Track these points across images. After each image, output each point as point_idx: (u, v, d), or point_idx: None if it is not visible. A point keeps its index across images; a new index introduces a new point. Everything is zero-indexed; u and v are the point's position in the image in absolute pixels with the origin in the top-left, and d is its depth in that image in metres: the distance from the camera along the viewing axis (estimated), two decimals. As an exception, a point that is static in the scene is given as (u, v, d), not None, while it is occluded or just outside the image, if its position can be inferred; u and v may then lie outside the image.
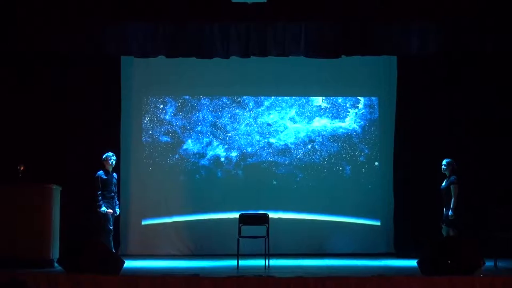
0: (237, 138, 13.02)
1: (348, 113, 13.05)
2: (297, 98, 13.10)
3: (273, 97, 13.11)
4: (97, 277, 8.24)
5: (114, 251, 10.73)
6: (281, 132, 13.04)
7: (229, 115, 13.07)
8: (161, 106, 13.09)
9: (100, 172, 10.88)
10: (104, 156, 10.98)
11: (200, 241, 12.75)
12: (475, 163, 12.04)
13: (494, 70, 12.10)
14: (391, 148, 12.65)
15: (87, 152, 11.96)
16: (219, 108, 13.07)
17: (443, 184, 10.74)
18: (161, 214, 12.83)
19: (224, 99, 13.10)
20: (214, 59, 11.68)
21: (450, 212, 10.43)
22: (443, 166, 10.73)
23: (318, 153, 12.99)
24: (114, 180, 11.00)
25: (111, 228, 10.88)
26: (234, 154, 12.99)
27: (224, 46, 11.38)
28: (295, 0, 11.00)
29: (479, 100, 12.19)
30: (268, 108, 13.10)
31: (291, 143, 13.01)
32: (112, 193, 10.91)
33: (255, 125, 13.05)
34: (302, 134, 13.02)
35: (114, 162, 11.02)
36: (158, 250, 12.61)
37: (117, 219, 11.35)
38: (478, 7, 10.95)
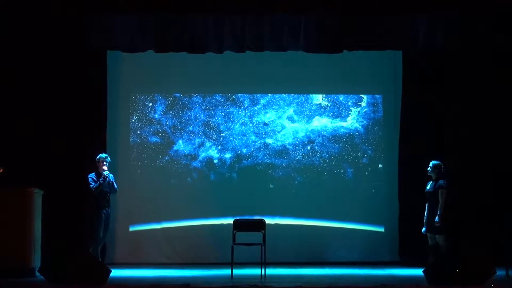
0: (231, 138, 13.02)
1: (350, 112, 13.07)
2: (295, 96, 13.10)
3: (270, 94, 13.11)
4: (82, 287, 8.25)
5: (100, 259, 10.74)
6: (279, 132, 13.05)
7: (223, 114, 13.07)
8: (150, 104, 13.08)
9: (92, 174, 11.02)
10: (97, 158, 11.12)
11: (191, 249, 12.73)
12: (487, 166, 12.05)
13: (507, 68, 12.10)
14: (395, 149, 12.66)
15: (71, 153, 11.95)
16: (212, 107, 13.07)
17: (428, 187, 10.89)
18: (150, 219, 12.81)
19: (218, 97, 13.09)
20: (207, 54, 11.70)
21: (436, 218, 10.54)
22: (428, 168, 10.88)
23: (318, 154, 13.00)
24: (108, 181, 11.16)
25: (101, 236, 10.96)
26: (228, 155, 12.99)
27: (218, 40, 11.41)
28: (293, -9, 11.04)
29: (492, 99, 12.18)
30: (264, 106, 13.11)
31: (289, 144, 13.02)
32: (107, 197, 11.11)
33: (250, 125, 13.05)
34: (300, 135, 13.03)
35: (108, 164, 11.18)
36: (146, 258, 12.58)
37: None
38: (488, 3, 11.01)
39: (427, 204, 10.87)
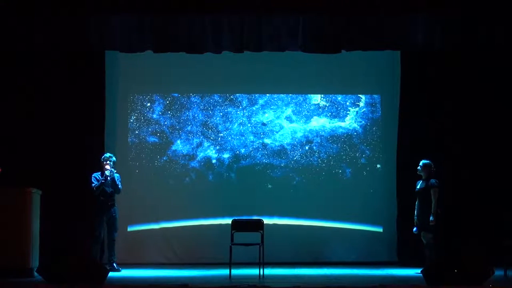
0: (229, 138, 13.01)
1: (348, 112, 13.06)
2: (293, 96, 13.10)
3: (268, 94, 13.11)
4: None
5: (98, 259, 10.74)
6: (277, 132, 13.04)
7: (221, 114, 13.06)
8: (149, 104, 13.08)
9: (96, 173, 11.16)
10: (102, 157, 11.19)
11: (190, 249, 12.73)
12: (486, 166, 12.06)
13: (506, 68, 12.10)
14: (394, 150, 12.65)
15: (69, 153, 11.96)
16: (210, 107, 13.06)
17: (418, 186, 10.90)
18: (148, 220, 12.81)
19: (216, 97, 13.09)
20: (205, 54, 11.69)
21: (431, 217, 10.54)
22: (418, 167, 10.92)
23: (316, 154, 13.00)
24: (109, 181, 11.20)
25: (101, 236, 10.97)
26: (226, 155, 12.98)
27: (216, 40, 11.40)
28: (292, -9, 11.03)
29: (491, 99, 12.18)
30: (262, 106, 13.10)
31: (288, 144, 13.01)
32: (111, 196, 11.21)
33: (248, 125, 13.04)
34: (299, 135, 13.03)
35: (112, 164, 11.23)
36: (145, 258, 12.58)
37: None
38: (487, 3, 11.02)
39: (416, 203, 10.87)
